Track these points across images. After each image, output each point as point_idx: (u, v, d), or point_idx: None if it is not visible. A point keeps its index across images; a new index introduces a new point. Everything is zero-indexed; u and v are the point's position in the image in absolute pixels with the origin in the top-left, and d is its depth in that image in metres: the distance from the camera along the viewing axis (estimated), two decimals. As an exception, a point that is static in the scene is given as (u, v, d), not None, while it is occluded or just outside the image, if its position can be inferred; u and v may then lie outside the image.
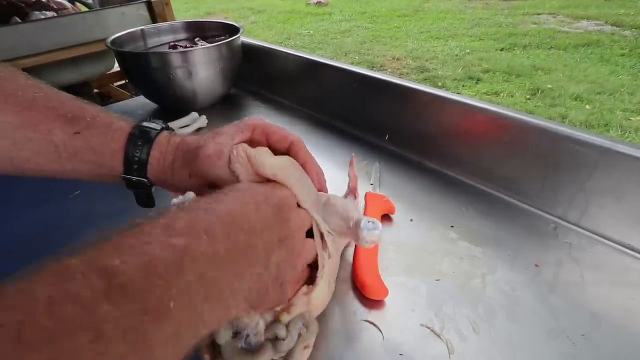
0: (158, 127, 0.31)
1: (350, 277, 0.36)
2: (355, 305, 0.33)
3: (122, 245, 0.17)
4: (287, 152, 0.32)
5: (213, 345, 0.25)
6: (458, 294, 0.34)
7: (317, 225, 0.31)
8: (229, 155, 0.29)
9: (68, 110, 0.29)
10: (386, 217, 0.43)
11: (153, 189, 0.33)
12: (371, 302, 0.33)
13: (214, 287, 0.19)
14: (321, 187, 0.33)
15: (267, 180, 0.29)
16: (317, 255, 0.30)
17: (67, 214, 0.46)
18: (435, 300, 0.33)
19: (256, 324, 0.25)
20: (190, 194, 0.31)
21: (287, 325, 0.26)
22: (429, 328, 0.31)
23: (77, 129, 0.28)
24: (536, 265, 0.36)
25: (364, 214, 0.41)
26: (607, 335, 0.30)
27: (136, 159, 0.30)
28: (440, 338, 0.30)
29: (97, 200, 0.49)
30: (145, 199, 0.33)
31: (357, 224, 0.31)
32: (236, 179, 0.29)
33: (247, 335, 0.24)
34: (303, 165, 0.32)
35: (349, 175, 0.41)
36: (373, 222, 0.31)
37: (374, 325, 0.31)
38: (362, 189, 0.45)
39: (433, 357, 0.29)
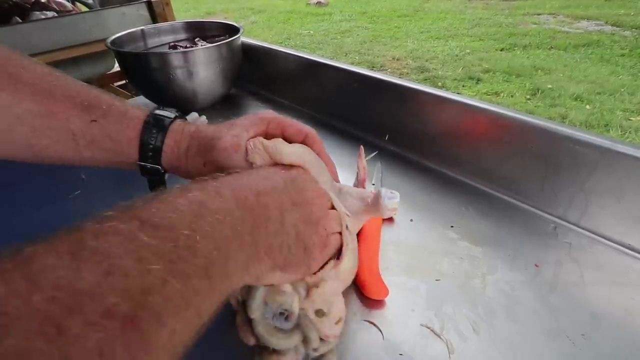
0: (172, 115, 0.32)
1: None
2: (355, 305, 0.33)
3: (148, 206, 0.18)
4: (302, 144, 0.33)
5: (249, 321, 0.26)
6: (458, 294, 0.34)
7: (336, 206, 0.31)
8: (246, 147, 0.30)
9: (84, 98, 0.30)
10: (387, 218, 0.43)
11: (166, 176, 0.33)
12: (371, 302, 0.33)
13: (235, 233, 0.20)
14: (334, 176, 0.35)
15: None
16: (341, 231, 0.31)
17: (67, 214, 0.46)
18: (435, 300, 0.33)
19: (290, 303, 0.25)
20: None
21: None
22: (429, 328, 0.31)
23: (94, 117, 0.29)
24: (536, 265, 0.36)
25: None
26: (607, 335, 0.30)
27: (151, 146, 0.30)
28: (440, 338, 0.30)
29: (97, 200, 0.49)
30: (159, 185, 0.34)
31: (379, 195, 0.33)
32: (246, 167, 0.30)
33: (281, 314, 0.25)
34: (319, 155, 0.33)
35: (357, 167, 0.41)
36: (392, 192, 0.33)
37: (374, 325, 0.31)
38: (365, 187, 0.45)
39: (433, 357, 0.29)
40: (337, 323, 0.27)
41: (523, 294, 0.33)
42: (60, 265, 0.13)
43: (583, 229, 0.40)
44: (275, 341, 0.25)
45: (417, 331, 0.31)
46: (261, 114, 0.32)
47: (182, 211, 0.18)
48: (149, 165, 0.31)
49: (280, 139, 0.31)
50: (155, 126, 0.31)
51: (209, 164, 0.30)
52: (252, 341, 0.26)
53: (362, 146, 0.43)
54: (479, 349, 0.29)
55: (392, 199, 0.33)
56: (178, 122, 0.32)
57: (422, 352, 0.29)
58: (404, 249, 0.39)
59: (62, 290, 0.13)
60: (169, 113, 0.32)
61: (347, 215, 0.32)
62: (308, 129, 0.33)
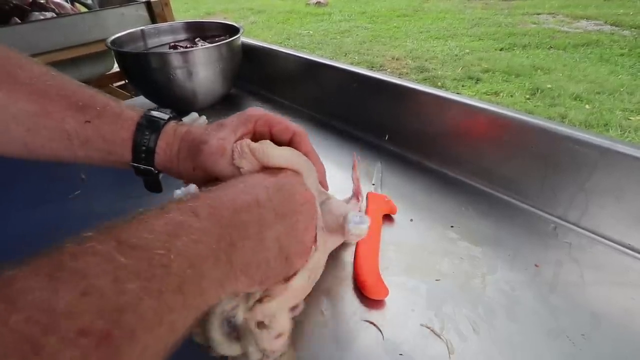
0: (166, 116, 0.32)
1: (350, 277, 0.36)
2: (355, 305, 0.33)
3: (126, 227, 0.19)
4: (289, 143, 0.32)
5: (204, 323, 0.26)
6: (458, 294, 0.34)
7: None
8: (232, 151, 0.29)
9: (79, 99, 0.30)
10: (387, 218, 0.43)
11: (160, 176, 0.34)
12: (371, 302, 0.33)
13: (210, 251, 0.20)
14: (322, 179, 0.34)
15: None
16: None
17: (67, 214, 0.46)
18: (435, 300, 0.33)
19: (236, 312, 0.24)
20: (192, 187, 0.31)
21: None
22: (429, 328, 0.31)
23: (88, 117, 0.29)
24: (536, 265, 0.36)
25: (365, 213, 0.41)
26: (607, 335, 0.30)
27: (144, 147, 0.30)
28: (440, 338, 0.30)
29: (97, 200, 0.49)
30: (153, 185, 0.34)
31: (345, 218, 0.31)
32: (241, 174, 0.29)
33: (229, 320, 0.25)
34: (306, 155, 0.32)
35: (352, 178, 0.41)
36: (360, 217, 0.31)
37: (374, 325, 0.31)
38: (364, 189, 0.45)
39: (433, 357, 0.29)
40: (277, 337, 0.26)
41: (523, 294, 0.33)
42: (39, 286, 0.14)
43: (583, 229, 0.40)
44: (221, 346, 0.25)
45: (417, 331, 0.31)
46: (249, 111, 0.32)
47: (158, 232, 0.19)
48: (142, 166, 0.31)
49: (269, 141, 0.30)
50: (148, 127, 0.30)
51: (198, 168, 0.30)
52: (204, 342, 0.26)
53: (355, 155, 0.43)
54: (479, 349, 0.29)
55: (359, 224, 0.31)
56: (172, 123, 0.32)
57: (422, 352, 0.29)
58: (404, 249, 0.39)
59: (39, 311, 0.13)
60: (163, 114, 0.32)
61: (322, 230, 0.31)
62: (295, 128, 0.32)
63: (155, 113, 0.32)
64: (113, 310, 0.15)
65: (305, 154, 0.32)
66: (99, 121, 0.30)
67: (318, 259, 0.30)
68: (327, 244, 0.33)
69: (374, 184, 0.48)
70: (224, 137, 0.29)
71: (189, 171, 0.31)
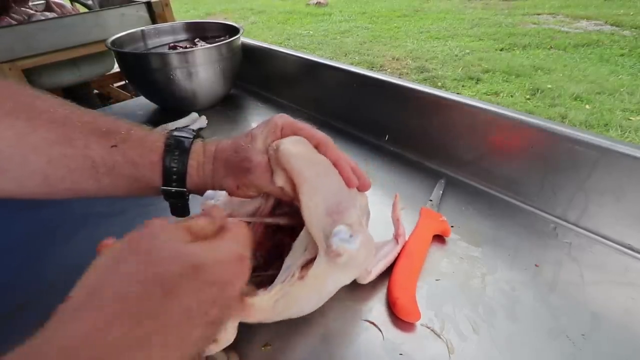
0: (190, 135, 0.31)
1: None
2: (355, 305, 0.33)
3: None
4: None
5: None
6: (458, 294, 0.34)
7: (313, 239, 0.27)
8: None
9: (102, 124, 0.29)
10: (437, 238, 0.40)
11: (188, 197, 0.32)
12: (371, 302, 0.33)
13: None
14: (349, 183, 0.31)
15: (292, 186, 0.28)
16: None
17: (67, 214, 0.46)
18: (435, 300, 0.33)
19: None
20: (223, 193, 0.30)
21: None
22: (429, 328, 0.31)
23: (114, 142, 0.28)
24: (536, 265, 0.36)
25: (415, 228, 0.39)
26: (607, 335, 0.30)
27: (174, 169, 0.29)
28: (440, 338, 0.30)
29: (97, 200, 0.48)
30: (182, 209, 0.33)
31: (331, 231, 0.26)
32: (279, 190, 0.29)
33: None
34: (335, 165, 0.30)
35: (392, 219, 0.38)
36: (352, 236, 0.26)
37: (374, 325, 0.31)
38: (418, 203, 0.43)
39: (433, 357, 0.29)
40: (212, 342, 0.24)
41: (523, 294, 0.33)
42: None
43: (583, 228, 0.40)
44: None
45: (417, 331, 0.31)
46: (275, 119, 0.31)
47: None
48: (174, 189, 0.30)
49: (284, 142, 0.29)
50: (177, 148, 0.30)
51: (244, 186, 0.30)
52: None
53: (397, 196, 0.38)
54: (479, 349, 0.29)
55: (345, 243, 0.25)
56: (198, 141, 0.31)
57: (422, 352, 0.29)
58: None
59: None
60: (186, 134, 0.31)
61: (327, 257, 0.26)
62: (320, 136, 0.31)
63: (178, 133, 0.31)
64: None
65: (334, 162, 0.30)
66: (125, 145, 0.28)
67: (305, 290, 0.26)
68: (328, 275, 0.27)
69: (431, 200, 0.45)
70: (265, 152, 0.29)
71: (231, 189, 0.30)
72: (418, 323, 0.31)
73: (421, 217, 0.41)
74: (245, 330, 0.27)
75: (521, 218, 0.43)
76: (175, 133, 0.31)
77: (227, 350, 0.27)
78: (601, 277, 0.35)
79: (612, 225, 0.39)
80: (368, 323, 0.32)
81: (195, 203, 0.33)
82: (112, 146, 0.28)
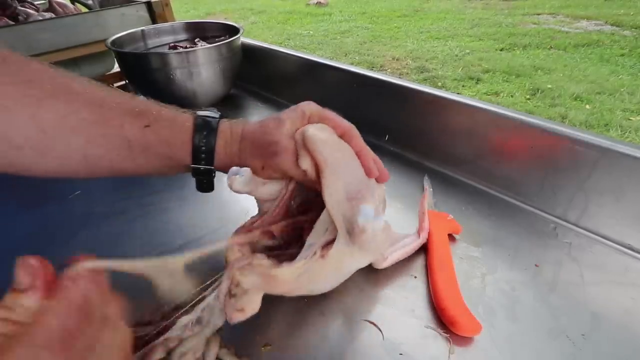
0: (217, 115, 0.32)
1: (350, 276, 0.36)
2: (355, 305, 0.33)
3: None
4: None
5: None
6: (458, 294, 0.34)
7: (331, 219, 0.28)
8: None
9: (135, 105, 0.30)
10: (449, 238, 0.40)
11: (214, 174, 0.34)
12: (371, 302, 0.33)
13: None
14: (369, 172, 0.32)
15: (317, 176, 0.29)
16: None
17: (67, 214, 0.46)
18: (435, 300, 0.33)
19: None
20: (247, 170, 0.32)
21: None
22: (429, 328, 0.31)
23: (147, 122, 0.29)
24: (536, 265, 0.36)
25: (429, 235, 0.39)
26: (607, 335, 0.30)
27: (203, 148, 0.30)
28: (440, 338, 0.30)
29: (97, 200, 0.49)
30: (207, 185, 0.34)
31: (358, 209, 0.27)
32: (302, 174, 0.30)
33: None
34: (357, 154, 0.32)
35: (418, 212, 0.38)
36: (379, 212, 0.27)
37: (374, 325, 0.31)
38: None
39: (433, 357, 0.29)
40: (238, 311, 0.26)
41: (523, 294, 0.33)
42: None
43: (583, 228, 0.40)
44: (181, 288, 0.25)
45: (417, 331, 0.31)
46: (302, 106, 0.32)
47: None
48: (202, 167, 0.31)
49: (311, 128, 0.30)
50: (205, 128, 0.31)
51: (269, 168, 0.31)
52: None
53: (427, 188, 0.38)
54: (479, 349, 0.29)
55: (370, 220, 0.26)
56: (225, 122, 0.32)
57: (422, 352, 0.29)
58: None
59: None
60: (213, 114, 0.32)
61: (345, 240, 0.28)
62: (345, 125, 0.32)
63: (204, 113, 0.32)
64: None
65: (357, 152, 0.32)
66: (157, 125, 0.29)
67: (323, 269, 0.27)
68: (346, 258, 0.29)
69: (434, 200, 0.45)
70: (292, 137, 0.30)
71: (256, 169, 0.31)
72: (418, 323, 0.31)
73: (431, 221, 0.40)
74: (246, 330, 0.27)
75: (521, 218, 0.43)
76: (202, 113, 0.32)
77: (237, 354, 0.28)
78: (601, 277, 0.35)
79: (612, 225, 0.39)
80: (368, 323, 0.32)
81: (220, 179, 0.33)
82: (145, 126, 0.29)
